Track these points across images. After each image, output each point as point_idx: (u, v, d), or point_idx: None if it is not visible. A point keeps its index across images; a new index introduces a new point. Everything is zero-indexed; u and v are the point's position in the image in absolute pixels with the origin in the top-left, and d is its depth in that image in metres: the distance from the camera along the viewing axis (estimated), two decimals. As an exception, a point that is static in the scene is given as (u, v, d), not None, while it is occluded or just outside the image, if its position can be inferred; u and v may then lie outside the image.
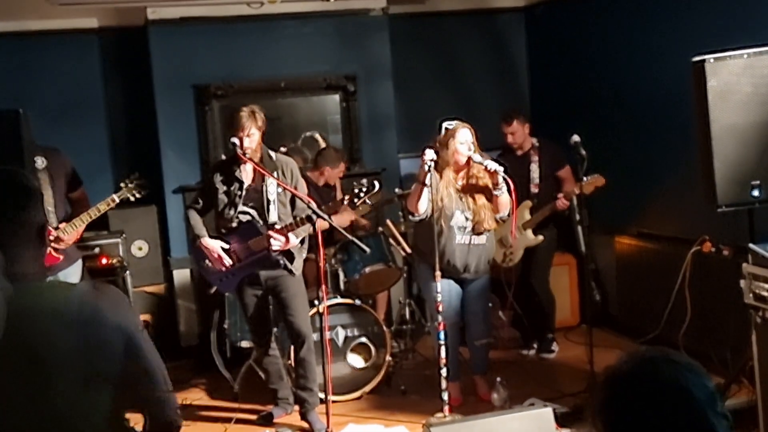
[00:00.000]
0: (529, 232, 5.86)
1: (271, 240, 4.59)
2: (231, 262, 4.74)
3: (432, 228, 4.77)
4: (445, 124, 4.93)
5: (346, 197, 4.57)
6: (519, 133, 5.91)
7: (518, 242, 5.83)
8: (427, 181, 4.71)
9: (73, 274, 5.05)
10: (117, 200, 4.93)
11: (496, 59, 7.56)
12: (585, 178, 5.36)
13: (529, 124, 5.99)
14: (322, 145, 6.70)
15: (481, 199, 4.94)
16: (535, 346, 6.11)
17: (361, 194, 4.51)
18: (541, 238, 5.85)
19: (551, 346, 6.06)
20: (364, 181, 4.59)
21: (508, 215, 4.98)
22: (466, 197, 4.94)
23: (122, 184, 4.99)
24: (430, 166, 4.66)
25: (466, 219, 4.94)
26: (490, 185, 4.87)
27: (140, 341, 2.02)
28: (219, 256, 4.73)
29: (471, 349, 5.25)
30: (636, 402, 1.64)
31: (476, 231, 4.95)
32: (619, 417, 1.66)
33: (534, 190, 5.90)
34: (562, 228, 6.14)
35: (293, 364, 4.94)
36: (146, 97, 6.60)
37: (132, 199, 5.02)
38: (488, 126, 6.60)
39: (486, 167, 4.78)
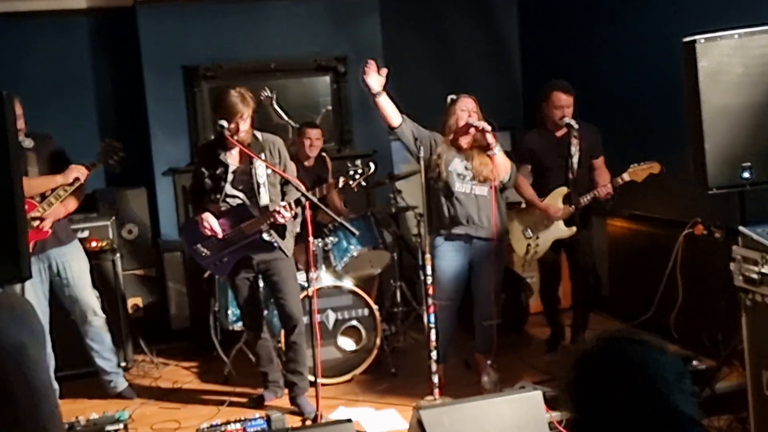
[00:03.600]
0: (561, 223, 5.42)
1: (278, 214, 4.53)
2: (222, 232, 4.69)
3: (433, 191, 4.80)
4: (450, 97, 4.98)
5: (342, 179, 4.54)
6: (572, 109, 5.32)
7: (547, 233, 5.49)
8: (376, 88, 4.77)
9: (68, 253, 5.02)
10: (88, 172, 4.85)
11: (488, 40, 7.51)
12: (638, 164, 5.14)
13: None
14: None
15: (483, 156, 4.89)
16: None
17: (357, 176, 4.48)
18: (574, 229, 5.37)
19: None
20: (359, 162, 4.55)
21: (510, 179, 4.92)
22: (468, 151, 4.93)
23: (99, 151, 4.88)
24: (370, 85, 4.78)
25: (465, 168, 4.89)
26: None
27: (26, 368, 1.73)
28: (210, 226, 4.66)
29: (478, 328, 5.16)
30: (602, 381, 1.73)
31: (476, 177, 4.88)
32: (586, 395, 1.75)
33: (571, 176, 5.29)
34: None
35: (283, 348, 4.93)
36: (135, 79, 6.55)
37: (112, 163, 4.90)
38: (482, 107, 6.55)
39: (476, 127, 4.80)
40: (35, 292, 4.88)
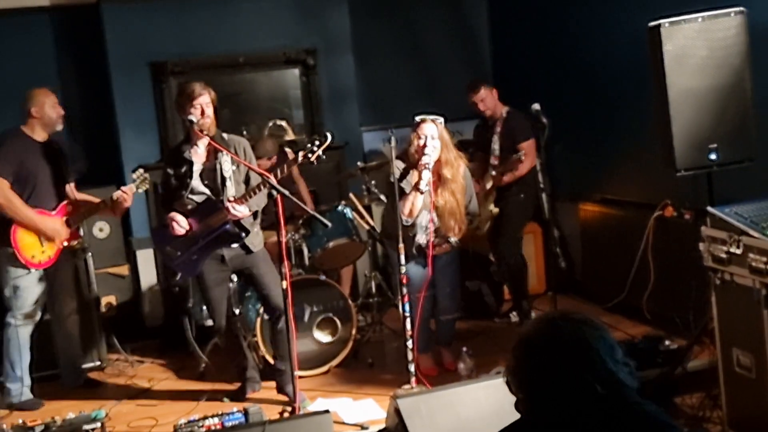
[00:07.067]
0: (491, 204, 5.85)
1: (232, 209, 4.53)
2: (187, 227, 4.67)
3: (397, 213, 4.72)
4: (417, 118, 4.85)
5: (300, 153, 4.46)
6: (489, 99, 5.85)
7: (484, 214, 5.80)
8: (423, 187, 4.67)
9: None
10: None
11: (457, 29, 7.52)
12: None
13: (496, 89, 5.91)
14: (290, 132, 6.63)
15: (451, 201, 4.82)
16: (512, 315, 6.13)
17: (315, 148, 4.43)
18: (496, 210, 5.83)
19: (530, 314, 5.97)
20: (316, 135, 4.57)
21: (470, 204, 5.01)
22: (435, 195, 4.83)
23: (135, 176, 5.01)
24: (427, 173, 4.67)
25: (429, 220, 4.83)
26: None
27: None
28: (177, 222, 4.65)
29: (438, 322, 5.25)
30: (540, 360, 1.82)
31: (440, 235, 4.89)
32: (527, 376, 1.84)
33: (494, 162, 5.84)
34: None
35: (260, 340, 4.91)
36: (101, 76, 6.49)
37: (141, 191, 5.07)
38: (451, 97, 6.58)
39: (424, 164, 4.66)
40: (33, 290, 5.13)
